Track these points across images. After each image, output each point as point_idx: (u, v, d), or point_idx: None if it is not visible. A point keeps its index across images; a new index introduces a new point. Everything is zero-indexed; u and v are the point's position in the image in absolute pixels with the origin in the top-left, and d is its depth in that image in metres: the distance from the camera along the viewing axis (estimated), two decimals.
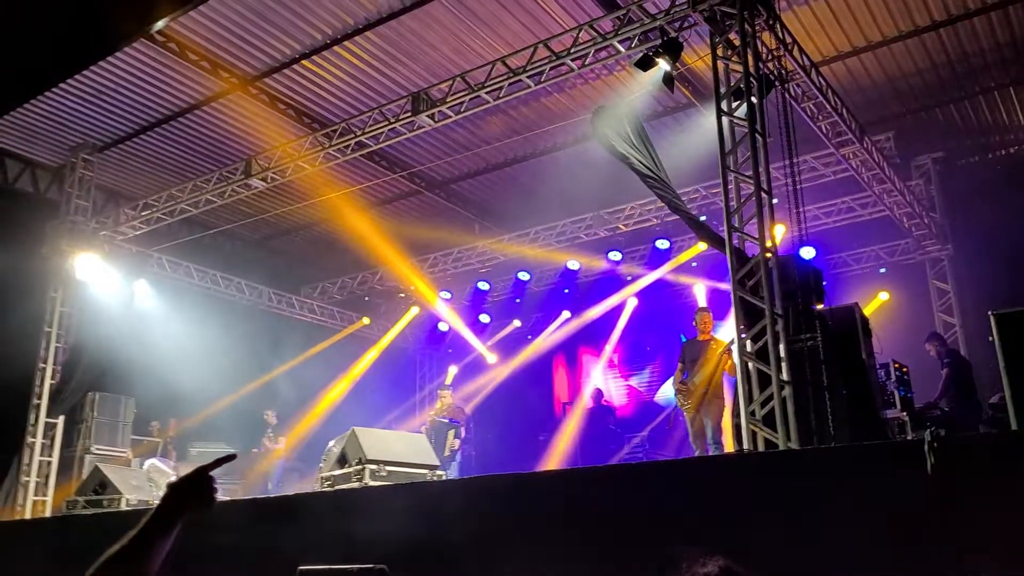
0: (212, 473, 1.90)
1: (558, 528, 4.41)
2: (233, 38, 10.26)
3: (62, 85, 10.87)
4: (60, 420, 12.26)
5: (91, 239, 12.69)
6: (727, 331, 9.87)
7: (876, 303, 12.85)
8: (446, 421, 12.30)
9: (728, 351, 9.19)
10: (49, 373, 12.30)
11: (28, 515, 11.50)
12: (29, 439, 12.00)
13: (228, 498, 9.63)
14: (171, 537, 1.79)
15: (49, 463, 12.10)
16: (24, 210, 13.00)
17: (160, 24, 9.39)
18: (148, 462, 11.27)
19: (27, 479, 11.83)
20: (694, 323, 9.85)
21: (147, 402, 12.87)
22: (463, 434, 12.48)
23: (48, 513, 11.62)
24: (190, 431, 13.67)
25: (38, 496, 11.86)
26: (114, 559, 1.70)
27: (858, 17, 9.99)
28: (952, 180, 12.77)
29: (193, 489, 1.85)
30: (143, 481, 9.66)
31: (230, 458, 1.98)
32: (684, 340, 10.21)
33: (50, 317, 12.50)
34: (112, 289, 12.76)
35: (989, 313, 4.55)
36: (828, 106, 9.92)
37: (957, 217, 12.49)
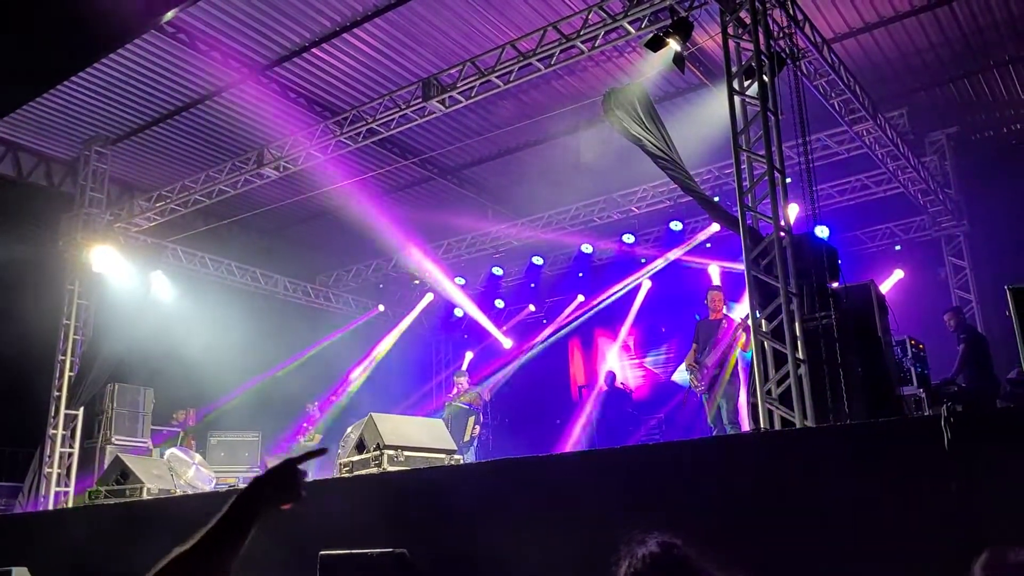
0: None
1: (573, 511, 4.43)
2: (243, 27, 10.27)
3: (74, 78, 10.92)
4: (80, 412, 12.41)
5: (106, 231, 12.79)
6: (742, 311, 9.85)
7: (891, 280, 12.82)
8: (465, 407, 12.34)
9: (744, 327, 9.18)
10: (68, 365, 12.44)
11: (51, 506, 11.66)
12: (50, 431, 12.16)
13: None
14: (248, 533, 1.68)
15: (70, 454, 12.26)
16: (39, 203, 13.11)
17: (170, 15, 9.41)
18: (168, 452, 11.36)
19: (49, 470, 11.99)
20: (705, 302, 9.86)
21: (166, 392, 12.98)
22: (482, 420, 12.52)
23: (70, 504, 11.78)
24: (209, 420, 13.80)
25: (60, 487, 12.03)
26: (187, 556, 1.58)
27: None
28: (967, 155, 12.66)
29: (279, 481, 1.74)
30: (164, 471, 9.77)
31: (321, 452, 1.87)
32: (697, 319, 10.21)
33: (68, 309, 12.63)
34: (128, 280, 12.86)
35: (1006, 287, 4.53)
36: (840, 83, 9.84)
37: (972, 193, 12.38)
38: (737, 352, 9.31)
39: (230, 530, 1.66)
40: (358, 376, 16.40)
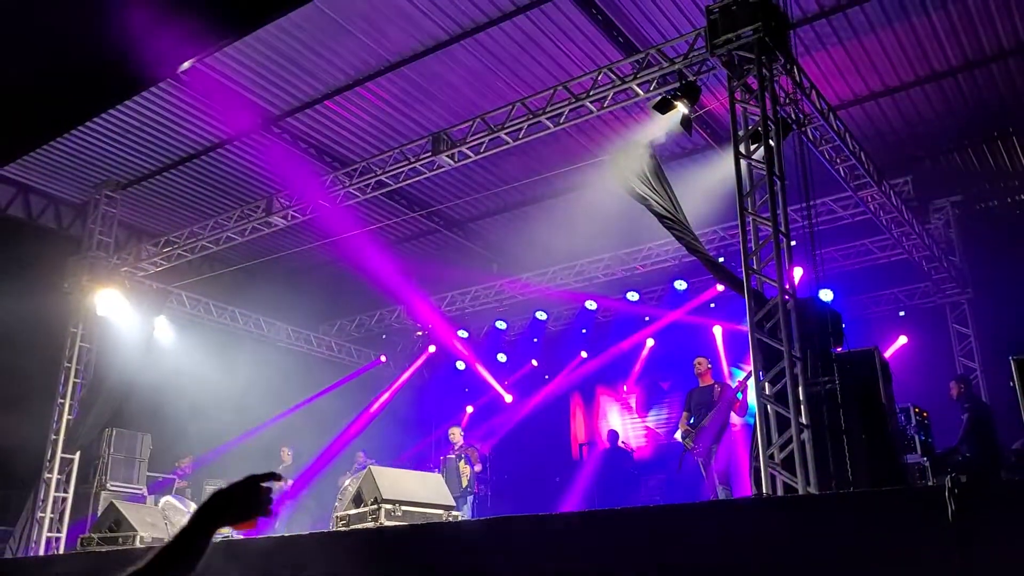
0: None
1: (570, 571, 4.36)
2: (257, 78, 10.45)
3: (87, 123, 11.08)
4: (76, 456, 12.30)
5: (112, 275, 12.83)
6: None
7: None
8: (453, 456, 12.22)
9: (742, 387, 9.14)
10: (67, 409, 12.37)
11: (41, 552, 11.49)
12: (45, 475, 12.03)
13: (240, 536, 9.57)
14: (204, 551, 1.67)
15: (64, 499, 12.11)
16: (47, 246, 13.19)
17: (186, 65, 9.59)
18: (163, 499, 11.25)
19: (42, 515, 11.84)
20: (695, 372, 9.85)
21: (164, 438, 12.89)
22: (476, 465, 12.30)
23: (62, 550, 11.60)
24: (206, 468, 13.67)
25: (52, 533, 11.86)
26: (146, 569, 1.58)
27: (876, 62, 10.06)
28: (971, 224, 12.72)
29: (241, 496, 1.71)
30: (158, 519, 9.65)
31: (276, 476, 1.81)
32: (689, 390, 10.19)
33: (70, 352, 12.61)
34: (132, 325, 12.86)
35: (1010, 358, 4.51)
36: (846, 149, 9.94)
37: (977, 261, 12.41)
38: (727, 415, 9.25)
39: (187, 545, 1.63)
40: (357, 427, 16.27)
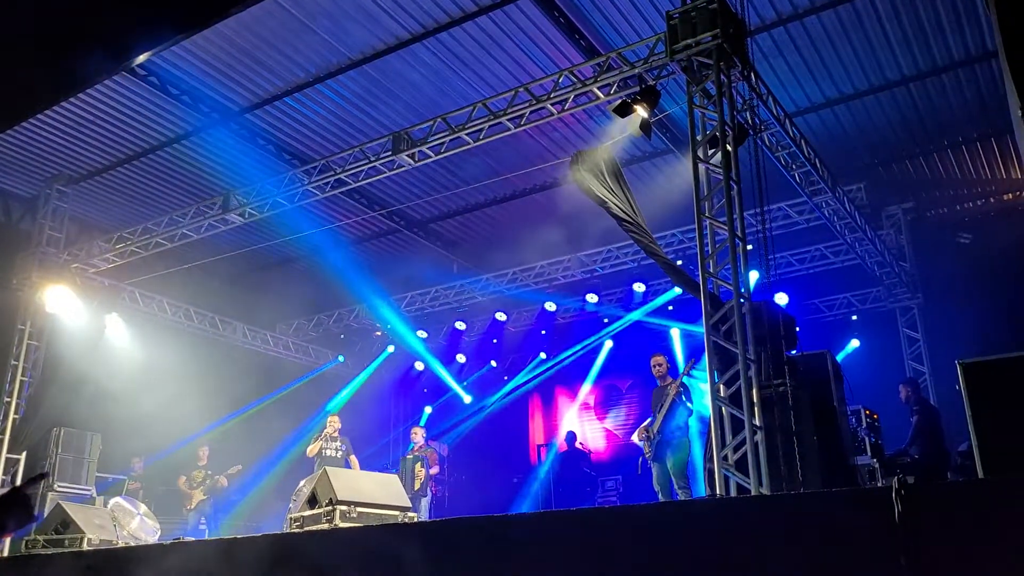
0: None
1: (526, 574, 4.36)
2: (216, 73, 10.30)
3: (39, 116, 10.82)
4: (23, 456, 11.99)
5: (62, 271, 12.55)
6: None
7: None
8: (410, 457, 12.18)
9: (679, 385, 9.18)
10: (13, 408, 12.05)
11: None
12: None
13: (193, 539, 9.42)
14: None
15: None
16: None
17: (142, 58, 9.42)
18: (112, 501, 11.03)
19: None
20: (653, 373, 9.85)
21: (114, 439, 12.63)
22: (433, 468, 12.27)
23: (6, 552, 11.31)
24: (157, 469, 13.44)
25: None
26: None
27: (831, 70, 10.25)
28: (922, 230, 13.01)
29: (12, 510, 1.87)
30: (107, 520, 9.45)
31: (43, 476, 2.18)
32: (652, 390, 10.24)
33: (17, 350, 12.29)
34: (82, 322, 12.58)
35: (956, 362, 4.61)
36: (801, 156, 10.10)
37: (926, 267, 12.70)
38: (675, 414, 9.26)
39: None
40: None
